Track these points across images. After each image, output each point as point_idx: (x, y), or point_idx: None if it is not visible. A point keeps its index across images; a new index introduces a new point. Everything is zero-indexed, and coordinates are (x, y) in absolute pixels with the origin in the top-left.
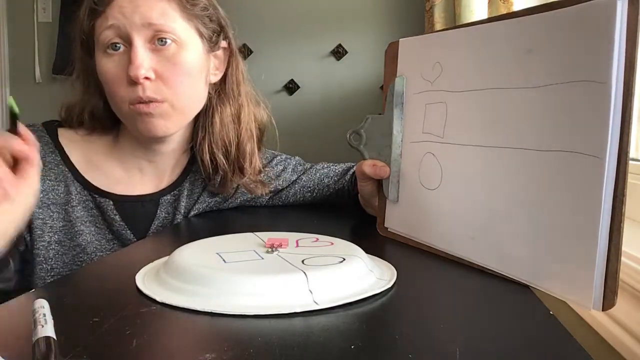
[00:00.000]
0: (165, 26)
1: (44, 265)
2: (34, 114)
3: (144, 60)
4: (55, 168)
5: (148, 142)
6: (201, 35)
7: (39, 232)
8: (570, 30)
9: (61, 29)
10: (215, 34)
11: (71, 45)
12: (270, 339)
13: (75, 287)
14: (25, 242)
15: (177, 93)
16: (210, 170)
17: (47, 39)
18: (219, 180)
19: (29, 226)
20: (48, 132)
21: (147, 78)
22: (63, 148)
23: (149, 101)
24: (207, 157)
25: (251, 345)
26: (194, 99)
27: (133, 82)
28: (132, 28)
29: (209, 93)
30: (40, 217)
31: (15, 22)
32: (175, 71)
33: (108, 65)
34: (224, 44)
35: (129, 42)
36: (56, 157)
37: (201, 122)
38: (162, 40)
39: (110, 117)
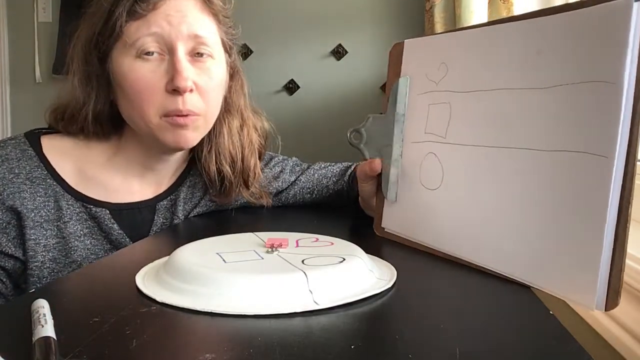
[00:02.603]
0: (207, 39)
1: (39, 285)
2: (34, 114)
3: (189, 71)
4: (43, 183)
5: (158, 152)
6: (226, 49)
7: (31, 252)
8: (582, 31)
9: (61, 29)
10: (231, 49)
11: (70, 43)
12: (270, 339)
13: (75, 287)
14: (20, 264)
15: (210, 106)
16: (217, 181)
17: (47, 39)
18: (222, 190)
19: (23, 247)
20: (31, 145)
21: (190, 90)
22: (49, 160)
23: (188, 114)
24: (213, 168)
25: (251, 345)
26: (218, 111)
27: (172, 93)
28: (177, 37)
29: None
30: (33, 237)
31: (15, 22)
32: (211, 84)
33: (141, 70)
34: (232, 60)
35: (167, 51)
36: (43, 171)
37: (207, 134)
38: (199, 54)
39: (113, 121)
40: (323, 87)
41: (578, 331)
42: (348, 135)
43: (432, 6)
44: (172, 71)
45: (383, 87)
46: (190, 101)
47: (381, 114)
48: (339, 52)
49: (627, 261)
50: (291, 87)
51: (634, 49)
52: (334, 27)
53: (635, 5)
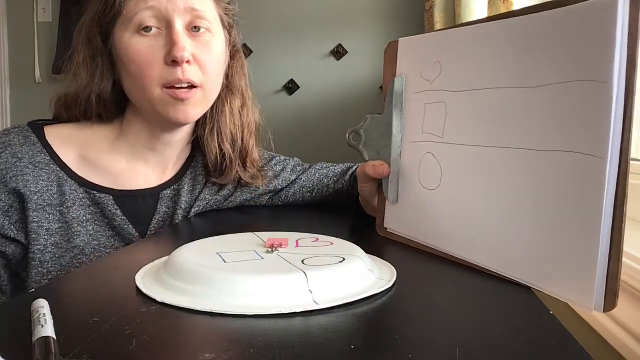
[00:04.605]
0: (204, 12)
1: (40, 269)
2: (34, 114)
3: (186, 43)
4: (46, 168)
5: (160, 132)
6: (224, 26)
7: (34, 235)
8: (571, 30)
9: (61, 29)
10: (231, 27)
11: (72, 35)
12: (270, 339)
13: (75, 287)
14: (21, 250)
15: (210, 79)
16: (219, 159)
17: (47, 39)
18: (222, 169)
19: (25, 230)
20: (34, 132)
21: (187, 61)
22: (52, 147)
23: (188, 85)
24: (215, 145)
25: (251, 345)
26: (218, 85)
27: (171, 64)
28: (174, 11)
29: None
30: (36, 220)
31: (15, 22)
32: (210, 57)
33: (140, 45)
34: (233, 39)
35: (165, 26)
36: (46, 157)
37: (209, 114)
38: (196, 28)
39: (117, 104)
40: (323, 87)
41: (578, 331)
42: (347, 136)
43: (432, 6)
44: (170, 44)
45: (382, 87)
46: (189, 71)
47: (379, 114)
48: (339, 52)
49: (628, 261)
50: (291, 87)
51: (622, 47)
52: (334, 27)
53: (620, 2)
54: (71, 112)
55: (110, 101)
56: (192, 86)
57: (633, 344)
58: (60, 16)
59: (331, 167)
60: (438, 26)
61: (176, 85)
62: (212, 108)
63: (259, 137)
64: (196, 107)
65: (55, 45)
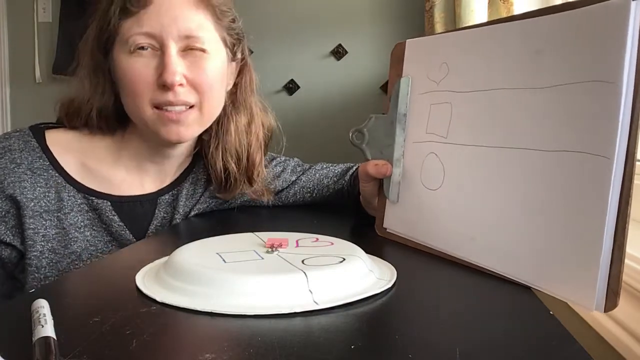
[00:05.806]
0: (200, 38)
1: (37, 275)
2: (34, 114)
3: (177, 66)
4: (45, 173)
5: (160, 146)
6: (226, 44)
7: (30, 242)
8: (581, 31)
9: (61, 29)
10: (235, 45)
11: (74, 42)
12: (270, 339)
13: (75, 287)
14: (17, 253)
15: (205, 98)
16: (223, 177)
17: (47, 39)
18: (226, 186)
19: (21, 236)
20: (35, 136)
21: (180, 84)
22: (52, 152)
23: (181, 105)
24: (219, 164)
25: (251, 345)
26: (217, 105)
27: (163, 87)
28: (168, 37)
29: (224, 101)
30: (32, 227)
31: (15, 22)
32: (204, 77)
33: (135, 65)
34: (239, 54)
35: (159, 47)
36: (45, 162)
37: (214, 130)
38: (192, 49)
39: (117, 117)
40: (323, 87)
41: (578, 331)
42: (350, 135)
43: (432, 6)
44: (162, 66)
45: (383, 87)
46: (182, 93)
47: (383, 114)
48: (339, 52)
49: (627, 261)
50: (291, 87)
51: (632, 49)
52: (334, 27)
53: (633, 4)
54: (72, 123)
55: (111, 115)
56: (189, 106)
57: (633, 344)
58: (60, 16)
59: (331, 167)
60: (438, 26)
61: (168, 108)
62: (217, 125)
63: (273, 142)
64: (191, 127)
65: (55, 45)
